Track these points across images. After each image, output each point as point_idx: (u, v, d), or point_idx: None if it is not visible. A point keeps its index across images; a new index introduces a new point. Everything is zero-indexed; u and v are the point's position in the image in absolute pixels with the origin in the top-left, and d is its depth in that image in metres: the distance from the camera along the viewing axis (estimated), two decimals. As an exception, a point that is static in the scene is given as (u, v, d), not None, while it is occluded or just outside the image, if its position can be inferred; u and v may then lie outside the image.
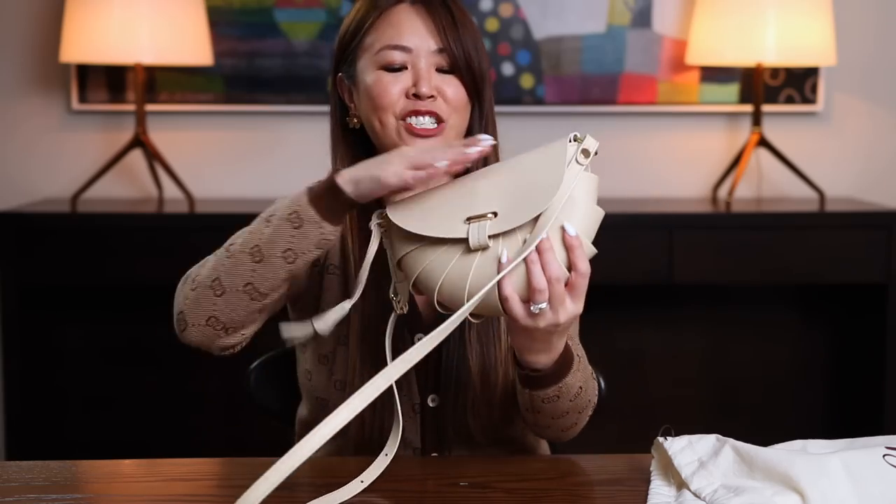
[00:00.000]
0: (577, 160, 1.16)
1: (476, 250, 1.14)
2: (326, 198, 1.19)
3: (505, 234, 1.13)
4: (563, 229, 1.13)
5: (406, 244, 1.19)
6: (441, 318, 1.37)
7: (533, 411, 1.29)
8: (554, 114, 2.96)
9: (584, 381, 1.29)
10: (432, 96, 1.34)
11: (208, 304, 1.25)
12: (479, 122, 1.40)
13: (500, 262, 1.12)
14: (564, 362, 1.23)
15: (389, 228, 1.20)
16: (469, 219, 1.14)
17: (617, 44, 2.93)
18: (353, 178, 1.18)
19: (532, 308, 1.12)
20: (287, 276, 1.23)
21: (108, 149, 2.91)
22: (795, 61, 2.81)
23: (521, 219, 1.13)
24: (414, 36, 1.34)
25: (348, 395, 1.26)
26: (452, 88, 1.35)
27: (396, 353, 1.37)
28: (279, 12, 2.90)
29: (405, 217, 1.19)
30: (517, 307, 1.13)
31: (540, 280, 1.11)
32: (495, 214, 1.13)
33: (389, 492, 1.20)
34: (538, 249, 1.11)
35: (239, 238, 1.26)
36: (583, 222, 1.17)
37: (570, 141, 1.17)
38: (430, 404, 1.40)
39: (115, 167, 2.81)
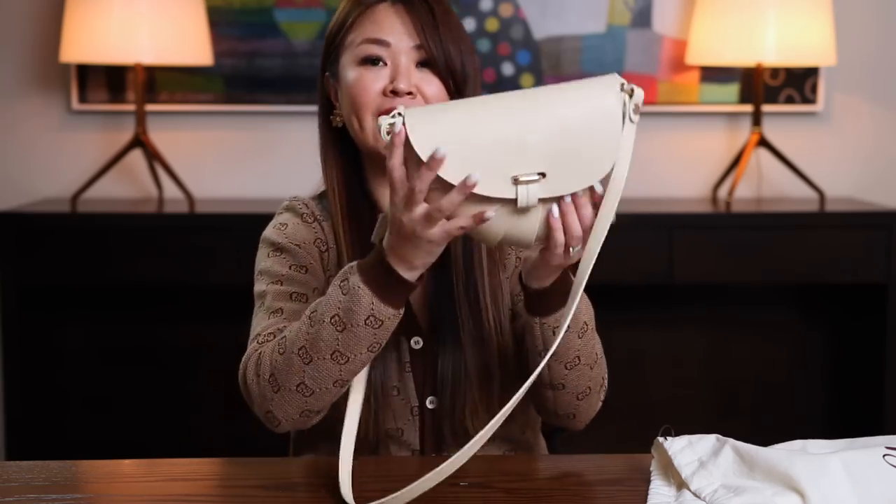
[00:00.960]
0: (630, 118, 1.12)
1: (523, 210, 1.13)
2: (394, 292, 1.19)
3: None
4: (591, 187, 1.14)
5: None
6: (435, 322, 1.38)
7: (546, 353, 1.23)
8: (554, 114, 2.96)
9: (590, 318, 1.33)
10: (410, 93, 1.33)
11: (297, 403, 1.25)
12: None
13: (551, 215, 1.13)
14: (567, 281, 1.25)
15: (410, 158, 1.12)
16: (516, 179, 1.11)
17: (617, 44, 2.94)
18: (412, 269, 1.18)
19: (571, 252, 1.17)
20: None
21: (108, 149, 2.91)
22: (795, 61, 2.81)
23: (573, 186, 1.12)
24: (393, 32, 1.35)
25: (346, 399, 1.26)
26: (433, 87, 1.35)
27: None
28: (279, 12, 2.90)
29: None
30: (561, 251, 1.16)
31: (577, 229, 1.15)
32: (543, 175, 1.11)
33: (389, 492, 1.20)
34: (578, 201, 1.14)
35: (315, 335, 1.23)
36: (621, 176, 1.16)
37: (621, 90, 1.13)
38: (429, 406, 1.39)
39: (115, 167, 2.82)
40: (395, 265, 1.17)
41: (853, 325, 2.89)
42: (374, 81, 1.34)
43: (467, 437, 1.39)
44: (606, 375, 1.39)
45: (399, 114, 1.11)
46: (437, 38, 1.34)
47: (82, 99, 2.90)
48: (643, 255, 2.64)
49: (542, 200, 1.13)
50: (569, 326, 1.24)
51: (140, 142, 2.76)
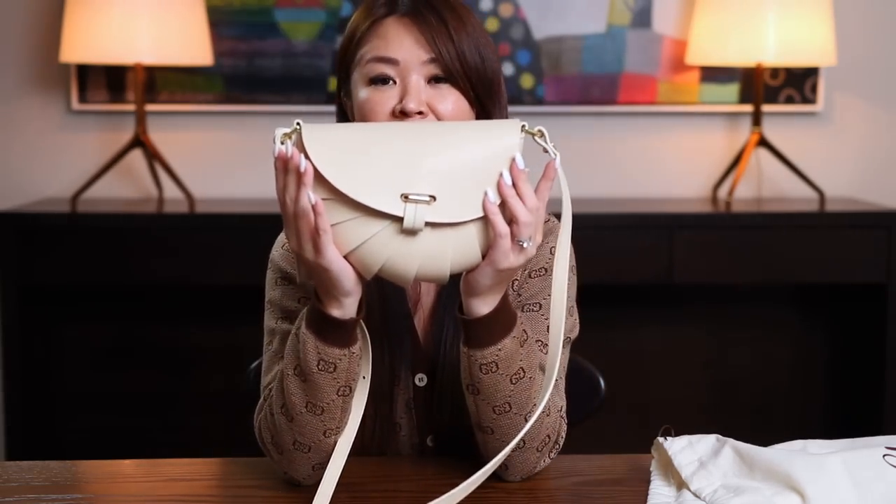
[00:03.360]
0: (552, 152, 1.16)
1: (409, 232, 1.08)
2: (332, 332, 1.16)
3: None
4: (513, 160, 1.11)
5: (340, 210, 1.09)
6: (440, 358, 1.33)
7: (475, 390, 1.19)
8: (554, 114, 2.96)
9: (528, 365, 1.19)
10: (420, 112, 1.24)
11: (301, 460, 1.22)
12: None
13: (486, 196, 1.09)
14: (502, 317, 1.16)
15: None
16: (406, 196, 1.08)
17: (617, 44, 2.93)
18: (337, 303, 1.14)
19: (521, 244, 1.10)
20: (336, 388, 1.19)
21: (108, 149, 2.91)
22: (795, 61, 2.81)
23: (461, 215, 1.09)
24: (402, 48, 1.25)
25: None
26: (447, 103, 1.26)
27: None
28: (279, 12, 2.90)
29: (333, 166, 1.09)
30: (507, 245, 1.10)
31: (524, 212, 1.10)
32: (433, 198, 1.08)
33: (390, 492, 1.20)
34: (514, 180, 1.10)
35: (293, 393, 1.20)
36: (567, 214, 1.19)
37: (522, 130, 1.14)
38: (429, 444, 1.36)
39: (115, 167, 2.82)
40: (322, 303, 1.14)
41: (853, 325, 2.89)
42: (382, 103, 1.26)
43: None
44: (563, 434, 1.28)
45: (298, 123, 1.10)
46: (452, 48, 1.25)
47: (82, 99, 2.90)
48: (643, 255, 2.64)
49: (431, 226, 1.08)
50: (497, 366, 1.16)
51: (140, 142, 2.76)
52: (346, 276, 1.11)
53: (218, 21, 2.88)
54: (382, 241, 1.08)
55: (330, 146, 1.09)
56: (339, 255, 1.09)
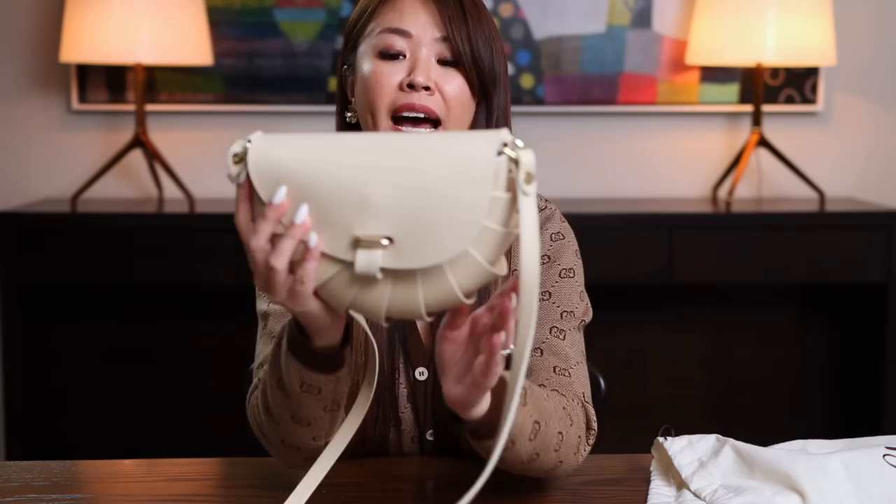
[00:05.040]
0: (523, 191, 0.90)
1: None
2: (315, 359, 1.08)
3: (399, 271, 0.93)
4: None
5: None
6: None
7: (500, 462, 1.05)
8: (554, 114, 2.96)
9: (539, 415, 1.11)
10: (428, 88, 1.22)
11: (291, 454, 1.19)
12: (486, 126, 1.30)
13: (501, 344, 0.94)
14: (500, 401, 1.02)
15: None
16: (357, 239, 0.92)
17: (617, 44, 2.93)
18: (319, 335, 1.05)
19: (505, 353, 0.96)
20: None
21: (108, 149, 2.91)
22: (795, 61, 2.81)
23: (423, 260, 0.91)
24: (416, 22, 1.24)
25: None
26: (454, 84, 1.24)
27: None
28: (279, 12, 2.90)
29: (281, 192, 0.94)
30: (496, 365, 0.96)
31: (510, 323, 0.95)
32: (390, 240, 0.92)
33: (389, 492, 1.20)
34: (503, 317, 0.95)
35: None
36: (532, 259, 0.90)
37: (498, 153, 0.90)
38: (429, 438, 1.34)
39: (115, 167, 2.82)
40: (302, 332, 1.05)
41: (853, 325, 2.89)
42: (390, 75, 1.23)
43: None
44: (593, 418, 1.23)
45: (249, 141, 0.96)
46: (465, 32, 1.24)
47: (82, 99, 2.90)
48: (643, 255, 2.64)
49: (387, 271, 0.93)
50: (513, 443, 1.08)
51: (140, 142, 2.76)
52: (323, 315, 1.00)
53: (218, 21, 2.88)
54: (342, 283, 0.95)
55: (279, 174, 0.94)
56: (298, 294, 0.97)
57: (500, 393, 1.00)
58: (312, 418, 1.11)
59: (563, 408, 1.17)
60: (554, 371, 1.24)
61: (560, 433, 1.14)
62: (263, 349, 1.29)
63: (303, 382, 1.08)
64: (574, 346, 1.28)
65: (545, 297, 1.30)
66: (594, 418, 1.24)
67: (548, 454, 1.13)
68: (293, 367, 1.07)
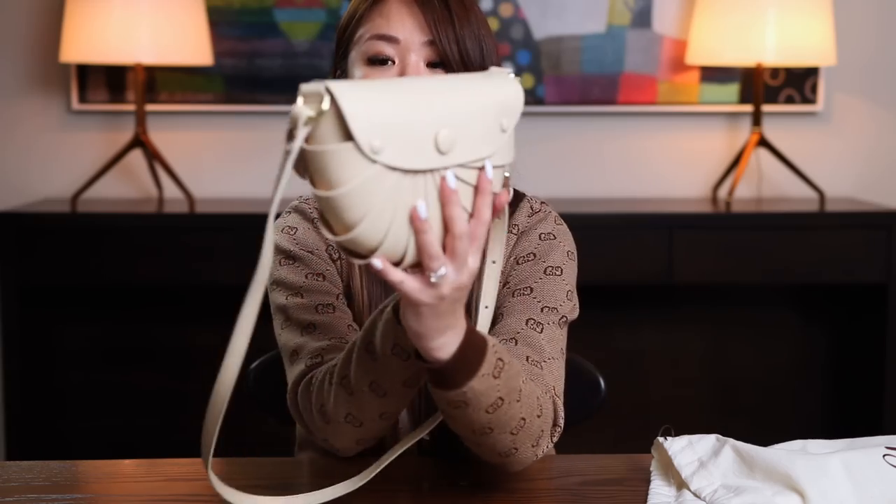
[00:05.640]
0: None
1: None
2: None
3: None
4: (442, 178, 0.95)
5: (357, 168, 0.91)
6: None
7: (450, 419, 1.12)
8: (554, 114, 2.96)
9: (507, 394, 1.09)
10: None
11: (349, 433, 1.20)
12: None
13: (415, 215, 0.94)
14: (468, 358, 1.05)
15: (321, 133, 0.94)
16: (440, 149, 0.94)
17: (617, 44, 2.93)
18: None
19: (431, 277, 0.97)
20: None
21: (108, 149, 2.91)
22: (795, 61, 2.81)
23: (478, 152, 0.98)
24: (403, 27, 1.24)
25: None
26: None
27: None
28: (279, 12, 2.90)
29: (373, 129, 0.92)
30: (411, 284, 0.97)
31: (434, 247, 0.95)
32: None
33: (389, 492, 1.20)
34: (450, 198, 0.95)
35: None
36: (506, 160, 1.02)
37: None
38: (427, 438, 1.32)
39: (115, 167, 2.82)
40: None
41: (853, 325, 2.89)
42: None
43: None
44: (560, 414, 1.22)
45: (328, 90, 0.94)
46: (452, 34, 1.24)
47: (82, 99, 2.90)
48: (643, 255, 2.64)
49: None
50: (467, 404, 1.07)
51: (140, 142, 2.76)
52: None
53: (218, 21, 2.88)
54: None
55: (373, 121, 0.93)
56: None
57: (472, 344, 1.04)
58: (390, 388, 1.12)
59: (538, 398, 1.16)
60: (527, 360, 1.23)
61: (523, 419, 1.12)
62: (293, 338, 1.29)
63: (395, 344, 1.07)
64: (552, 342, 1.27)
65: (526, 292, 1.30)
66: (562, 415, 1.22)
67: (502, 434, 1.11)
68: (390, 326, 1.07)
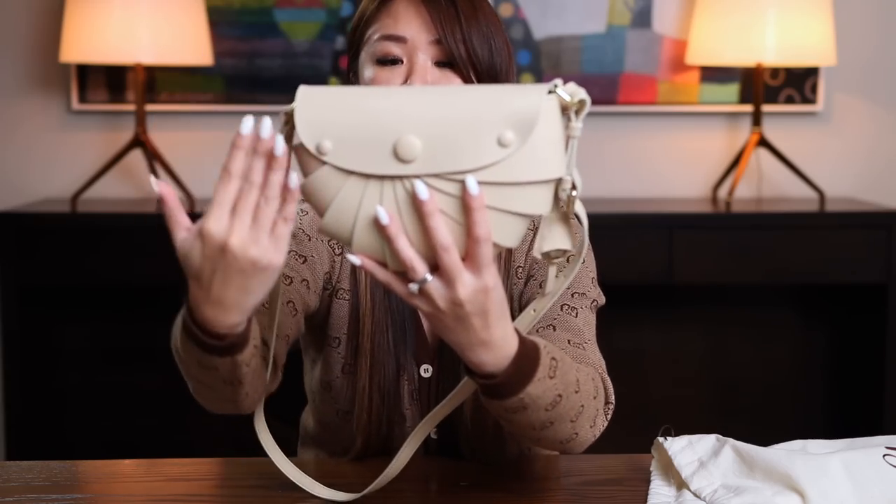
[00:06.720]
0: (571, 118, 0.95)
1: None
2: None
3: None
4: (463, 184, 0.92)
5: (334, 178, 0.94)
6: (444, 349, 1.31)
7: (507, 422, 1.09)
8: (554, 114, 2.96)
9: (564, 388, 1.06)
10: None
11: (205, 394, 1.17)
12: None
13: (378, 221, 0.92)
14: (521, 369, 1.01)
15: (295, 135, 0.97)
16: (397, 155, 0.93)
17: (617, 44, 2.93)
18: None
19: (410, 286, 0.94)
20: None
21: (108, 149, 2.91)
22: (795, 61, 2.81)
23: (448, 165, 0.93)
24: (410, 27, 1.24)
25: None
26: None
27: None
28: (279, 12, 2.90)
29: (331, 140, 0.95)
30: (398, 288, 0.95)
31: (405, 253, 0.93)
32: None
33: (390, 492, 1.20)
34: (422, 209, 0.92)
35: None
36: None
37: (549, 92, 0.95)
38: (433, 436, 1.35)
39: (115, 167, 2.82)
40: (210, 312, 0.99)
41: (853, 325, 2.89)
42: (389, 81, 1.24)
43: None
44: (610, 390, 1.21)
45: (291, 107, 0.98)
46: (459, 33, 1.24)
47: (82, 99, 2.90)
48: (643, 255, 2.64)
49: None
50: (526, 408, 1.04)
51: (140, 142, 2.76)
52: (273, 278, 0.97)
53: (218, 21, 2.88)
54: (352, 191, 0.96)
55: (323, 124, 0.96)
56: None
57: (524, 355, 1.01)
58: (216, 386, 1.09)
59: (592, 379, 1.14)
60: (569, 343, 1.24)
61: (582, 406, 1.10)
62: None
63: (199, 361, 1.04)
64: (587, 325, 1.29)
65: None
66: (612, 391, 1.21)
67: (563, 423, 1.09)
68: (191, 347, 1.03)
